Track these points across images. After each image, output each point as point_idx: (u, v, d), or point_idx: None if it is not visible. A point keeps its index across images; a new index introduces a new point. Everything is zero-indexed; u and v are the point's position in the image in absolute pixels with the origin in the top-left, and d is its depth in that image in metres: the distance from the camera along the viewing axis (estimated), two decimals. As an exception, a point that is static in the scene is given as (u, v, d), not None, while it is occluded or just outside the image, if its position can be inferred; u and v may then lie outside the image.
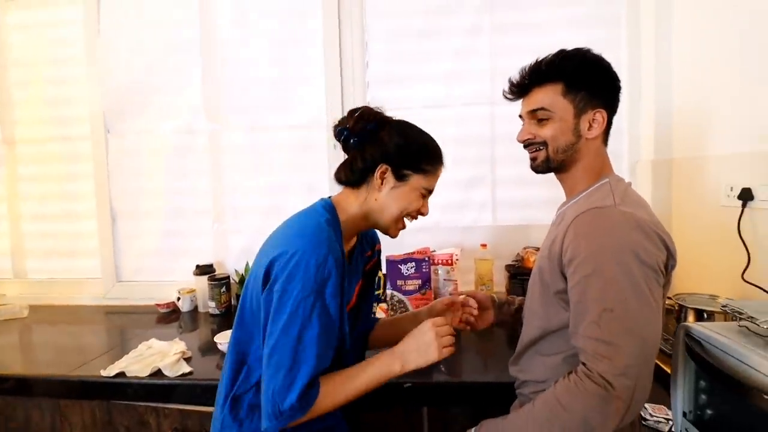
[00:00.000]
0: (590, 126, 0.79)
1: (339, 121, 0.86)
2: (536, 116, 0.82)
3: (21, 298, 1.83)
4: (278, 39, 1.74)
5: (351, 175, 0.85)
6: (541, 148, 0.82)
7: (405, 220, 0.88)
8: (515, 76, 0.84)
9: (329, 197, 0.88)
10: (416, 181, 0.84)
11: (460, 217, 1.71)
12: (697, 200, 1.40)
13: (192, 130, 1.78)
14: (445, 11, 1.66)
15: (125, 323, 1.64)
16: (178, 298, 1.71)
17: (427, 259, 1.45)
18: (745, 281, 1.15)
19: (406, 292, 1.45)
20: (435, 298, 1.49)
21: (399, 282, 1.45)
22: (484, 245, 1.60)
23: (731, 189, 1.22)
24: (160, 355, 1.21)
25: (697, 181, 1.41)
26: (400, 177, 0.83)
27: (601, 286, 0.67)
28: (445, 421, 1.11)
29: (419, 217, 0.89)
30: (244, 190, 1.79)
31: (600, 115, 0.79)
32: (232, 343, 0.85)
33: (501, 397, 0.96)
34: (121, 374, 1.13)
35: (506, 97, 0.87)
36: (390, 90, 1.70)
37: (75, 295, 1.87)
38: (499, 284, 1.63)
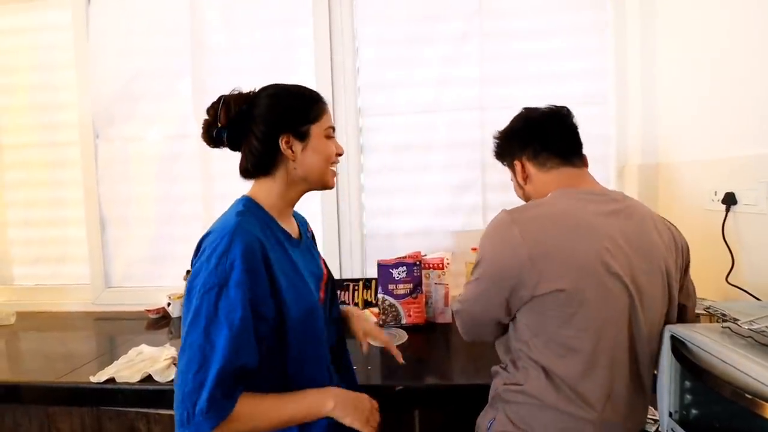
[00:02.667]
0: (521, 176, 0.94)
1: (204, 128, 0.82)
2: None
3: (8, 304, 1.80)
4: (269, 45, 1.74)
5: (257, 163, 0.82)
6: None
7: (332, 168, 0.88)
8: None
9: (243, 195, 0.86)
10: (316, 129, 0.83)
11: (450, 221, 1.73)
12: (683, 204, 1.43)
13: (182, 135, 1.78)
14: (435, 18, 1.68)
15: (115, 329, 1.62)
16: (169, 304, 1.69)
17: (418, 263, 1.46)
18: (729, 284, 1.17)
19: (397, 297, 1.45)
20: (426, 303, 1.50)
21: (390, 286, 1.45)
22: (474, 249, 1.61)
23: (715, 193, 1.24)
24: (151, 361, 1.20)
25: (683, 186, 1.44)
26: (301, 136, 0.81)
27: None
28: (437, 424, 1.12)
29: (339, 157, 0.88)
30: (235, 195, 1.77)
31: (518, 164, 0.94)
32: None
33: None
34: (111, 380, 1.11)
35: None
36: (381, 96, 1.71)
37: (63, 301, 1.85)
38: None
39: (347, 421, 0.76)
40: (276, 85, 0.85)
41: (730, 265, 1.18)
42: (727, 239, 1.20)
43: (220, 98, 0.82)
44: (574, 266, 0.75)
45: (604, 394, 0.76)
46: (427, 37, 1.69)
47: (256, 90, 0.84)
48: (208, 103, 0.83)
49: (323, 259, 0.98)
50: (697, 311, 1.17)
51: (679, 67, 1.46)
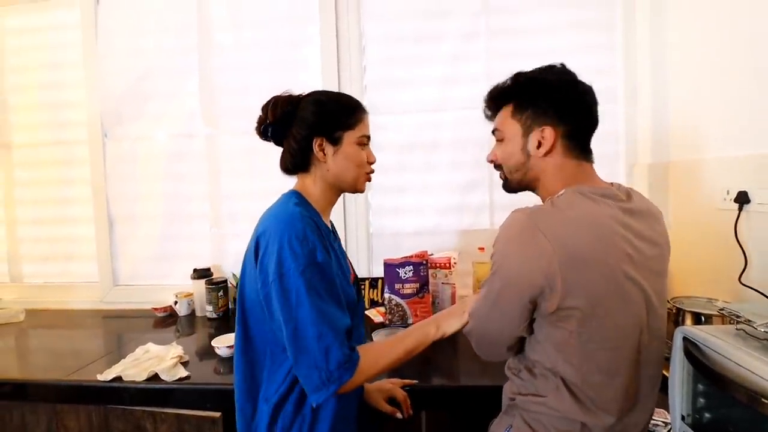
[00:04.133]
0: (539, 144, 0.78)
1: (258, 122, 0.90)
2: (495, 137, 0.86)
3: (17, 302, 1.82)
4: (275, 43, 1.74)
5: (294, 161, 0.89)
6: (500, 169, 0.86)
7: (367, 174, 0.93)
8: (486, 99, 0.88)
9: (290, 190, 0.92)
10: (350, 136, 0.87)
11: (457, 220, 1.72)
12: (694, 203, 1.40)
13: (189, 134, 1.78)
14: (442, 15, 1.67)
15: (122, 327, 1.63)
16: (176, 302, 1.70)
17: (425, 262, 1.45)
18: (742, 284, 1.15)
19: (404, 296, 1.44)
20: (433, 302, 1.49)
21: (397, 285, 1.44)
22: (481, 248, 1.60)
23: (728, 192, 1.22)
24: (157, 360, 1.20)
25: (694, 185, 1.41)
26: (335, 141, 0.87)
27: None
28: (444, 425, 1.11)
29: (372, 166, 0.93)
30: (242, 194, 1.79)
31: (548, 132, 0.77)
32: (243, 352, 0.87)
33: (498, 401, 0.96)
34: (118, 378, 1.12)
35: (487, 117, 0.91)
36: (387, 94, 1.71)
37: (71, 299, 1.86)
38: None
39: (457, 327, 0.86)
40: (321, 91, 0.92)
41: (743, 266, 1.16)
42: (740, 239, 1.18)
43: (272, 98, 0.89)
44: (598, 275, 0.69)
45: (623, 400, 0.74)
46: (433, 35, 1.68)
47: (304, 94, 0.91)
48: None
49: (349, 259, 1.02)
50: (709, 312, 1.16)
51: (690, 64, 1.43)
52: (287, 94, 0.89)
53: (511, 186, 0.86)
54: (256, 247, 0.81)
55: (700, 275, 1.39)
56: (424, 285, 1.45)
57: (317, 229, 0.81)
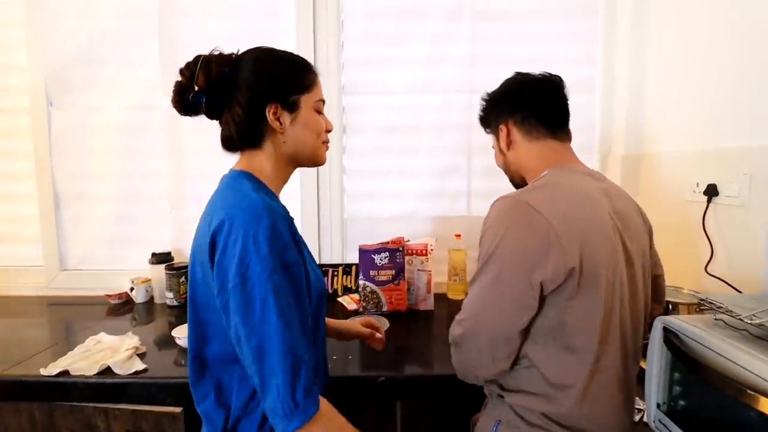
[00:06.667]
0: (505, 141, 0.90)
1: (176, 91, 0.73)
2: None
3: (-51, 288, 1.64)
4: (246, 13, 1.62)
5: (241, 136, 0.74)
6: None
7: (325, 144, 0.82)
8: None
9: (233, 170, 0.78)
10: (307, 100, 0.76)
11: (434, 206, 1.68)
12: (665, 195, 1.44)
13: (148, 106, 1.64)
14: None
15: (70, 316, 1.50)
16: (132, 289, 1.58)
17: (401, 249, 1.41)
18: (708, 274, 1.19)
19: (379, 283, 1.40)
20: (408, 290, 1.46)
21: (372, 272, 1.40)
22: (458, 235, 1.58)
23: (697, 185, 1.25)
24: (110, 351, 1.10)
25: (665, 177, 1.44)
26: (291, 107, 0.75)
27: (478, 261, 0.77)
28: (419, 415, 1.09)
29: (328, 134, 0.83)
30: (207, 173, 1.65)
31: (503, 128, 0.89)
32: (195, 356, 0.74)
33: (472, 390, 0.94)
34: (65, 373, 1.02)
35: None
36: (366, 73, 1.63)
37: (13, 284, 1.70)
38: (472, 274, 1.63)
39: None
40: (263, 48, 0.76)
41: (710, 256, 1.19)
42: (707, 230, 1.21)
43: (197, 57, 0.72)
44: (595, 238, 0.71)
45: (610, 386, 0.75)
46: (417, 12, 1.61)
47: (240, 52, 0.76)
48: (178, 72, 0.73)
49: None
50: (683, 301, 1.19)
51: (668, 58, 1.45)
52: (218, 53, 0.74)
53: (514, 183, 0.96)
54: (212, 246, 0.66)
55: (667, 264, 1.42)
56: (400, 272, 1.41)
57: (287, 218, 0.70)
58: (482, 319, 0.73)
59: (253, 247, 0.63)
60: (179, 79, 0.73)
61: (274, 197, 0.76)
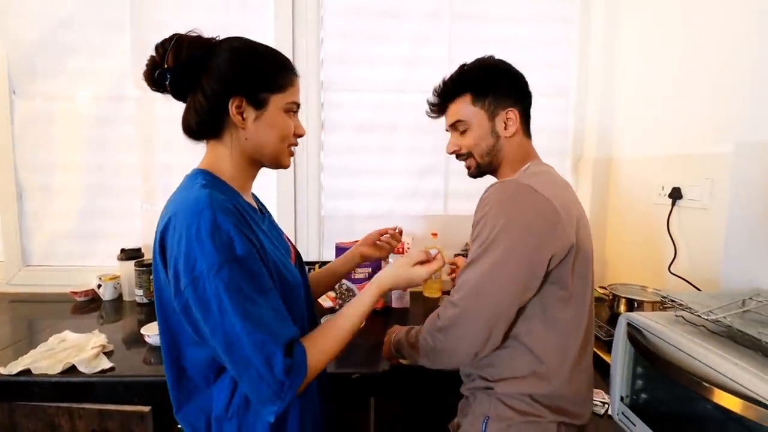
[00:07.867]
0: (506, 125, 0.84)
1: (149, 64, 0.70)
2: (457, 128, 0.89)
3: None
4: (222, 4, 1.59)
5: (201, 123, 0.72)
6: (469, 156, 0.89)
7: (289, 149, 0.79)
8: (431, 97, 0.90)
9: (195, 168, 0.76)
10: (278, 100, 0.72)
11: (412, 205, 1.70)
12: (632, 197, 1.49)
13: (118, 96, 1.58)
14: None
15: (33, 313, 1.43)
16: (99, 285, 1.53)
17: (378, 247, 1.41)
18: (672, 273, 1.24)
19: (355, 281, 1.40)
20: (385, 287, 1.46)
21: (349, 270, 1.39)
22: (434, 234, 1.60)
23: (663, 188, 1.31)
24: (75, 350, 1.06)
25: (633, 180, 1.50)
26: (258, 104, 0.71)
27: (478, 243, 0.75)
28: (393, 411, 1.09)
29: (298, 140, 0.79)
30: (179, 166, 1.61)
31: (512, 113, 0.84)
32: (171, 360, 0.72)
33: (446, 385, 0.95)
34: (26, 372, 0.98)
35: (429, 116, 0.93)
36: (345, 70, 1.62)
37: (-30, 280, 1.61)
38: (449, 272, 1.64)
39: (403, 277, 0.83)
40: (245, 39, 0.73)
41: (673, 256, 1.25)
42: (671, 232, 1.26)
43: (173, 36, 0.70)
44: (583, 225, 0.78)
45: (586, 368, 0.81)
46: (397, 12, 1.61)
47: (219, 38, 0.73)
48: (154, 47, 0.71)
49: (286, 236, 0.90)
50: (648, 299, 1.24)
51: (637, 65, 1.50)
52: (195, 34, 0.71)
53: (481, 170, 0.90)
54: (161, 247, 0.65)
55: (633, 264, 1.49)
56: (376, 270, 1.41)
57: (235, 211, 0.66)
58: (486, 298, 0.72)
59: (196, 243, 0.61)
60: (153, 54, 0.71)
61: (234, 193, 0.73)
